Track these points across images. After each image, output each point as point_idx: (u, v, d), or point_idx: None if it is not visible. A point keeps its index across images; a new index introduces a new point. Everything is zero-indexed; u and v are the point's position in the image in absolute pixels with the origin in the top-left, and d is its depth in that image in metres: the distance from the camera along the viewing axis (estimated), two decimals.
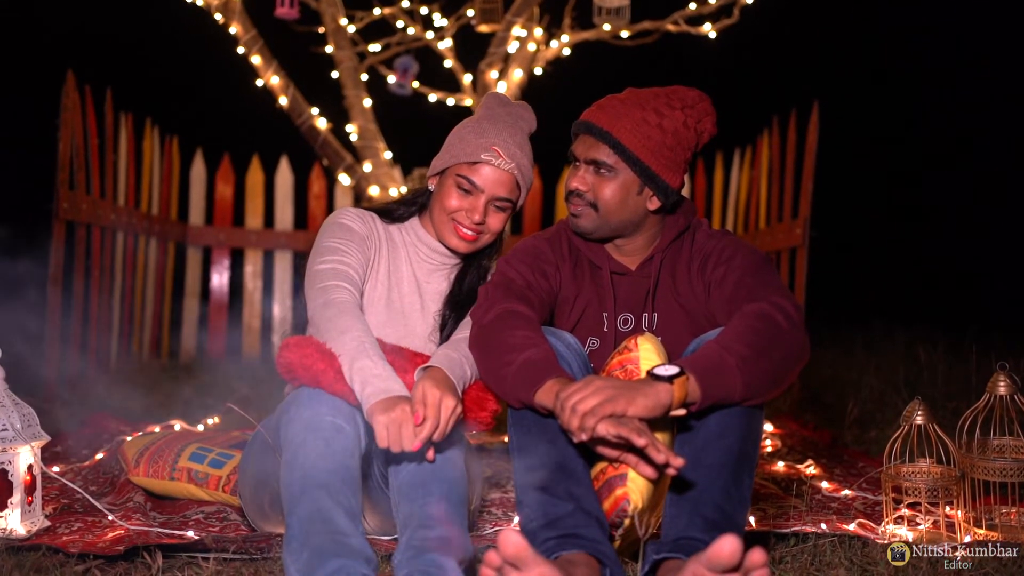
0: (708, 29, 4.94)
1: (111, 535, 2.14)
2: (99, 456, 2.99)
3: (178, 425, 3.34)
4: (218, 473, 2.45)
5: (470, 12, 5.09)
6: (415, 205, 2.32)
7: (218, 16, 4.72)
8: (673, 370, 1.75)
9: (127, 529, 2.18)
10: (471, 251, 2.23)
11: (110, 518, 2.26)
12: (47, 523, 2.21)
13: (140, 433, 3.00)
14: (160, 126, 5.51)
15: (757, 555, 1.56)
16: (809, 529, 2.25)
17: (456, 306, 2.24)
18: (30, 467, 2.16)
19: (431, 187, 2.28)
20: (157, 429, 3.20)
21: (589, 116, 2.11)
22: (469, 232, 2.18)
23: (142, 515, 2.34)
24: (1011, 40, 8.11)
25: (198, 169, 5.93)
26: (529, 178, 2.22)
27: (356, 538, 1.73)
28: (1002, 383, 2.31)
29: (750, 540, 1.64)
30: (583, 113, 2.14)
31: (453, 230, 2.18)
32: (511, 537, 1.57)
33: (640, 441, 1.67)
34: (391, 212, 2.31)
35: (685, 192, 4.87)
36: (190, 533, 2.16)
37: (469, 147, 2.16)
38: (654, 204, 2.12)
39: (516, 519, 2.23)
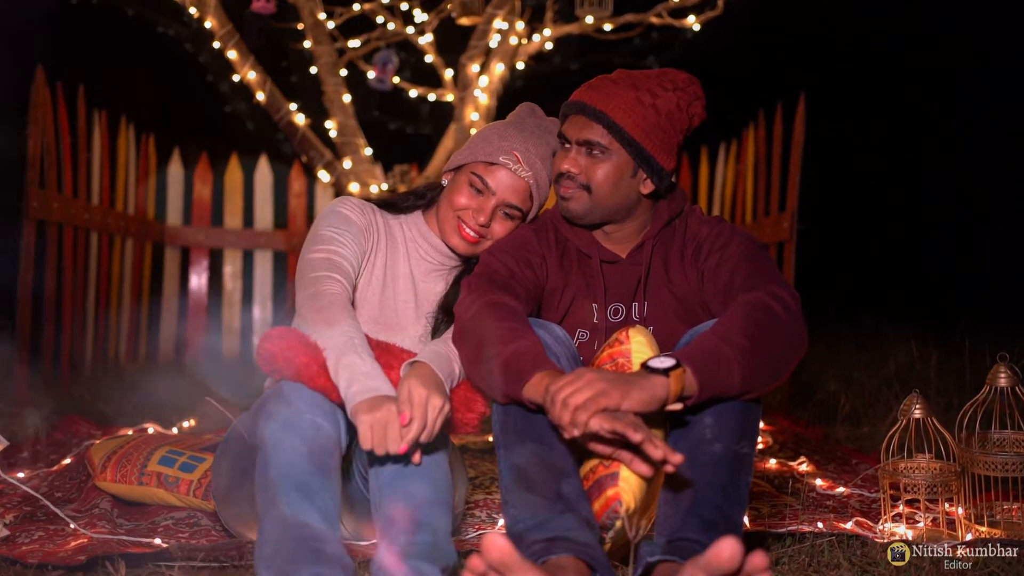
0: (692, 21, 4.88)
1: (73, 544, 2.05)
2: (66, 461, 2.89)
3: (152, 428, 3.24)
4: (189, 477, 2.36)
5: (450, 6, 5.01)
6: (424, 199, 2.26)
7: (193, 10, 4.62)
8: (669, 362, 1.67)
9: (90, 537, 2.10)
10: (471, 254, 2.17)
11: (72, 526, 2.17)
12: (6, 532, 2.11)
13: (109, 437, 2.89)
14: (136, 124, 5.40)
15: (759, 559, 1.48)
16: (806, 528, 2.19)
17: (450, 310, 2.16)
18: None
19: (444, 183, 2.22)
20: (130, 432, 3.09)
21: (581, 96, 2.04)
22: (472, 233, 2.12)
23: (108, 522, 2.25)
24: (1001, 30, 8.09)
25: (175, 168, 5.84)
26: (545, 192, 2.17)
27: (333, 544, 1.66)
28: (1003, 375, 2.25)
29: (747, 541, 1.57)
30: (574, 93, 2.07)
31: (456, 228, 2.12)
32: (496, 541, 1.50)
33: (636, 436, 1.59)
34: (396, 203, 2.24)
35: None
36: (157, 540, 2.08)
37: (490, 147, 2.11)
38: (648, 187, 2.05)
39: (501, 521, 2.15)
